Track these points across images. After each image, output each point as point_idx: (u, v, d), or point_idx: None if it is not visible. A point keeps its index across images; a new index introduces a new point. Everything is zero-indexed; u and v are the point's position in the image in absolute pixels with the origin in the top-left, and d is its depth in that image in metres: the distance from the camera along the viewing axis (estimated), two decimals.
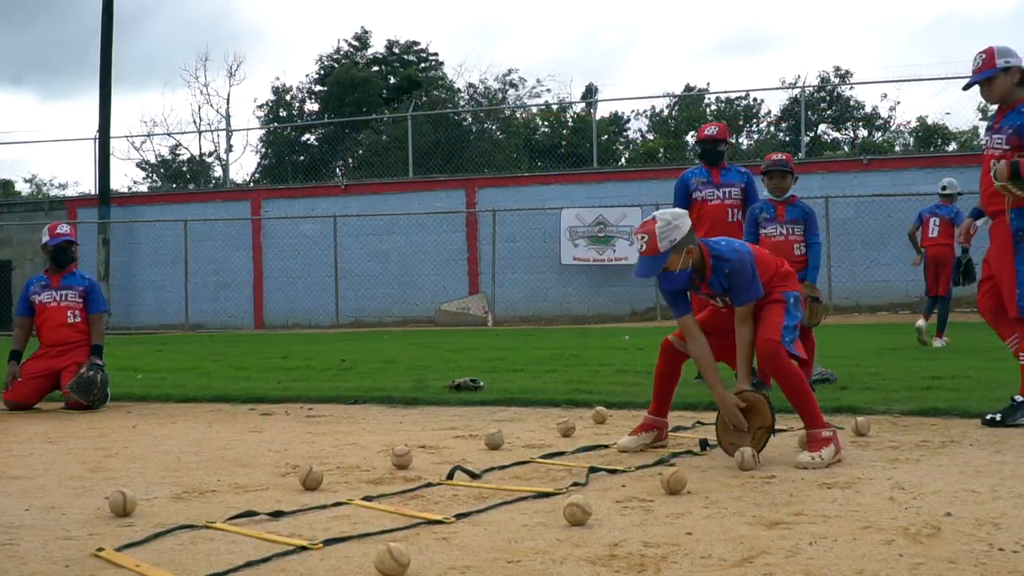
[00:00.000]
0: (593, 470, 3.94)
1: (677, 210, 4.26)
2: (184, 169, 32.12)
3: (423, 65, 34.06)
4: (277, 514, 3.31)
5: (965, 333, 11.84)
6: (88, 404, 6.70)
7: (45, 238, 7.21)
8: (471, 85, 31.57)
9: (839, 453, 4.10)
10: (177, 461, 4.53)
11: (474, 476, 3.89)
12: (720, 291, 4.29)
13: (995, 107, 5.16)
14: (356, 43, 33.81)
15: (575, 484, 3.72)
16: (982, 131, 25.87)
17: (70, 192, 31.67)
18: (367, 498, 3.56)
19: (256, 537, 3.00)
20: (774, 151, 7.56)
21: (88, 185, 35.01)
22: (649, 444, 4.55)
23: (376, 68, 33.57)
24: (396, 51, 33.87)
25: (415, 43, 34.21)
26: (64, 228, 7.24)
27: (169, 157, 32.60)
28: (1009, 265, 4.93)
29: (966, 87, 5.19)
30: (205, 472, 4.22)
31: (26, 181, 36.51)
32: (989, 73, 4.98)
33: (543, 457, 4.30)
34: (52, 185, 35.73)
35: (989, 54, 5.03)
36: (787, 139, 27.73)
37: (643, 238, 4.11)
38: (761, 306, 4.28)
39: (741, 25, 52.09)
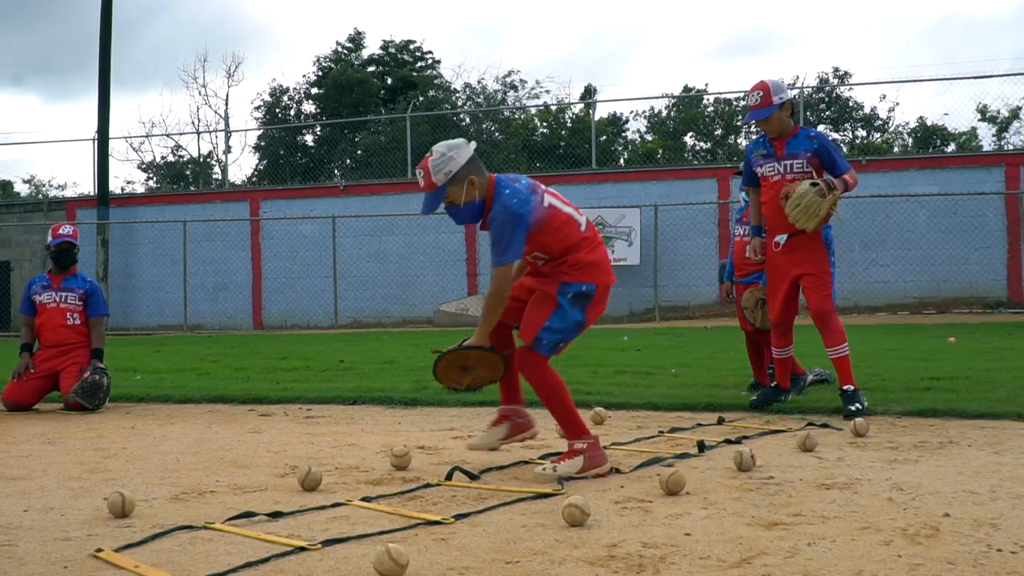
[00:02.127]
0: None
1: (457, 140, 3.98)
2: (185, 171, 32.11)
3: (420, 65, 34.05)
4: (276, 515, 3.31)
5: (964, 333, 11.85)
6: (91, 408, 6.71)
7: (49, 239, 7.24)
8: (468, 85, 31.59)
9: (596, 467, 3.84)
10: (176, 462, 4.53)
11: (473, 477, 3.90)
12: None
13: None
14: (350, 44, 33.81)
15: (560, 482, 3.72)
16: (981, 132, 25.92)
17: (69, 193, 31.70)
18: (366, 499, 3.56)
19: (255, 538, 3.00)
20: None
21: (87, 186, 35.05)
22: (503, 439, 4.26)
23: (372, 68, 33.55)
24: (392, 51, 33.86)
25: (411, 42, 34.21)
26: (67, 229, 7.24)
27: (169, 159, 32.61)
28: (825, 267, 5.54)
29: (744, 123, 5.69)
30: (204, 473, 4.23)
31: (25, 182, 36.55)
32: (769, 111, 5.50)
33: (542, 458, 4.31)
34: (51, 186, 35.78)
35: (765, 92, 5.53)
36: None
37: (420, 174, 3.92)
38: (536, 289, 4.01)
39: (747, 25, 52.21)
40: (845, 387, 5.44)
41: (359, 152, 29.36)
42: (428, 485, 3.78)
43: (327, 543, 2.91)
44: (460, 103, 30.78)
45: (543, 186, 4.03)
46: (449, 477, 3.87)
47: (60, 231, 7.20)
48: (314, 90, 32.79)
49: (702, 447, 4.46)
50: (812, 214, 5.35)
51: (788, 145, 5.57)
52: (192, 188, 28.81)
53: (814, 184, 5.35)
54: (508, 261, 3.85)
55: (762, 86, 5.55)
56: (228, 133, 29.99)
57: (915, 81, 30.57)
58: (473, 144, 3.97)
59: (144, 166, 32.67)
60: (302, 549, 2.85)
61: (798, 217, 5.37)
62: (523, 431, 4.27)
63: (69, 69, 54.95)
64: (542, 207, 3.91)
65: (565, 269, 3.94)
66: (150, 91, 59.01)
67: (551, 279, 3.97)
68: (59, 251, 7.14)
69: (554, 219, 3.92)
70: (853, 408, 5.32)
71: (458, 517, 3.22)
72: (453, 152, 3.89)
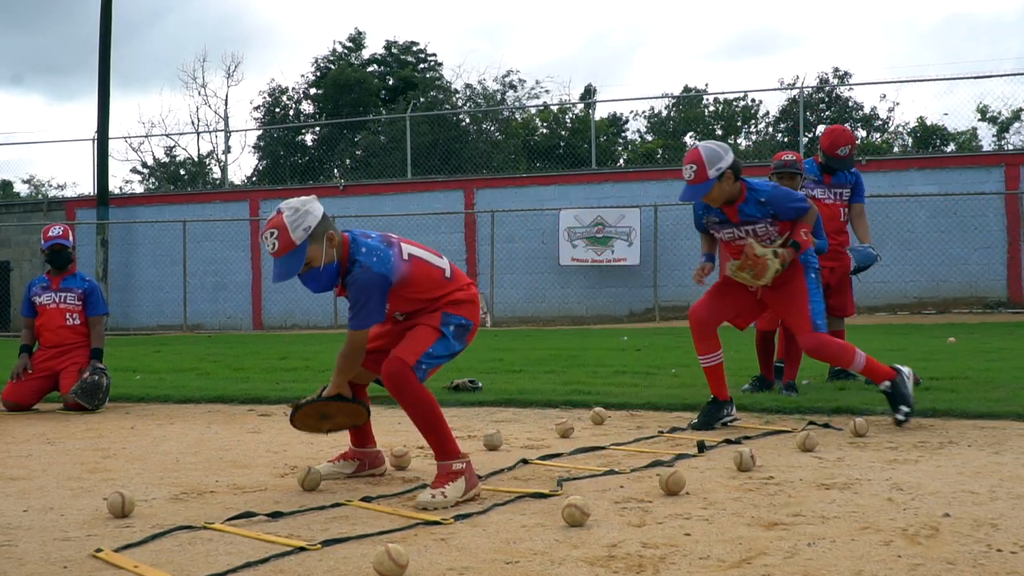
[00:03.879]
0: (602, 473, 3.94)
1: (304, 197, 3.57)
2: (183, 172, 32.11)
3: (421, 66, 34.07)
4: (275, 515, 3.31)
5: (964, 333, 11.84)
6: (91, 408, 6.71)
7: (42, 242, 7.24)
8: (468, 86, 31.61)
9: (473, 488, 3.54)
10: (176, 462, 4.53)
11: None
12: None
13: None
14: (350, 44, 33.81)
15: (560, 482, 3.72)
16: (981, 132, 25.93)
17: (69, 193, 31.69)
18: (365, 499, 3.56)
19: (255, 538, 3.00)
20: (783, 150, 7.44)
21: (87, 186, 35.04)
22: (351, 473, 4.07)
23: (372, 68, 33.56)
24: (394, 51, 33.87)
25: (414, 43, 34.23)
26: (56, 230, 7.22)
27: (167, 159, 32.60)
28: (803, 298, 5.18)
29: (682, 200, 5.23)
30: (204, 473, 4.22)
31: (24, 182, 36.54)
32: (707, 187, 4.99)
33: (541, 459, 4.31)
34: (51, 186, 35.77)
35: (700, 165, 4.96)
36: (785, 140, 27.75)
37: (273, 233, 3.44)
38: (411, 326, 3.72)
39: (751, 26, 52.26)
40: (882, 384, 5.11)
41: (359, 152, 29.37)
42: (426, 485, 3.77)
43: (327, 543, 2.91)
44: (460, 103, 30.78)
45: (395, 236, 3.73)
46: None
47: (50, 233, 7.19)
48: (313, 90, 32.79)
49: (702, 447, 4.46)
50: (760, 274, 5.09)
51: (740, 212, 5.15)
52: (189, 188, 28.80)
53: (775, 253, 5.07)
54: (367, 326, 3.62)
55: (695, 158, 4.98)
56: (228, 133, 29.99)
57: (915, 81, 30.61)
58: (316, 200, 3.58)
59: (141, 166, 32.68)
60: (302, 549, 2.85)
61: (748, 280, 5.13)
62: (374, 466, 4.13)
63: (73, 69, 55.12)
64: (402, 260, 3.61)
65: (441, 305, 3.69)
66: (155, 91, 59.15)
67: (429, 314, 3.69)
68: (52, 253, 7.14)
69: (416, 271, 3.64)
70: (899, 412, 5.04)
71: (458, 517, 3.22)
72: (308, 206, 3.49)
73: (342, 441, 5.05)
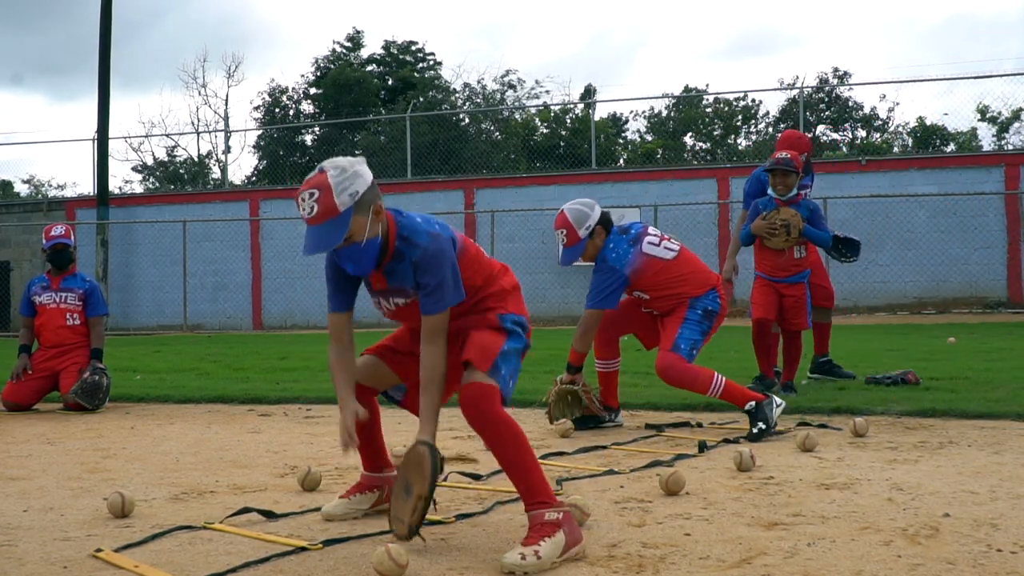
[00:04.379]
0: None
1: (346, 158, 2.89)
2: (183, 172, 32.12)
3: (421, 65, 34.07)
4: (276, 515, 3.31)
5: (964, 333, 11.85)
6: (91, 408, 6.71)
7: (43, 241, 7.24)
8: (467, 85, 31.61)
9: (575, 546, 2.74)
10: (176, 462, 4.53)
11: (475, 478, 3.89)
12: (401, 285, 3.00)
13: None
14: (349, 44, 33.81)
15: (560, 481, 3.72)
16: (981, 132, 25.93)
17: (68, 193, 31.68)
18: None
19: (255, 538, 3.00)
20: (765, 145, 7.33)
21: (87, 186, 35.04)
22: (372, 507, 3.33)
23: (371, 68, 33.55)
24: (393, 51, 33.87)
25: (412, 43, 34.22)
26: (58, 230, 7.22)
27: (167, 159, 32.61)
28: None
29: (563, 265, 5.29)
30: (203, 473, 4.22)
31: (24, 182, 36.52)
32: (581, 248, 5.15)
33: (542, 458, 4.31)
34: (51, 186, 35.76)
35: (569, 229, 5.09)
36: None
37: (313, 195, 2.77)
38: (468, 327, 3.03)
39: (751, 26, 52.29)
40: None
41: (358, 152, 29.36)
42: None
43: (327, 543, 2.91)
44: (460, 103, 30.78)
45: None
46: (445, 477, 3.87)
47: (52, 232, 7.19)
48: (313, 90, 32.80)
49: (702, 447, 4.46)
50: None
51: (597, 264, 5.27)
52: (189, 188, 28.80)
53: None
54: (448, 306, 2.95)
55: (563, 223, 5.07)
56: (228, 133, 29.98)
57: (915, 81, 30.65)
58: (365, 163, 2.93)
59: (141, 166, 32.67)
60: (302, 549, 2.85)
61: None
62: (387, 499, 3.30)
63: (73, 69, 55.15)
64: (459, 236, 3.08)
65: (491, 301, 3.09)
66: (155, 91, 59.19)
67: (482, 309, 3.08)
68: (54, 252, 7.14)
69: (468, 245, 3.10)
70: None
71: (458, 517, 3.22)
72: (357, 168, 2.84)
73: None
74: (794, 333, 6.37)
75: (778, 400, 4.98)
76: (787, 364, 6.39)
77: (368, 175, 2.85)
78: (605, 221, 5.14)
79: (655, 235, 5.24)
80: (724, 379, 4.95)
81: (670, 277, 5.13)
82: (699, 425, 5.28)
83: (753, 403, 4.85)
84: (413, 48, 34.22)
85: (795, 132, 7.39)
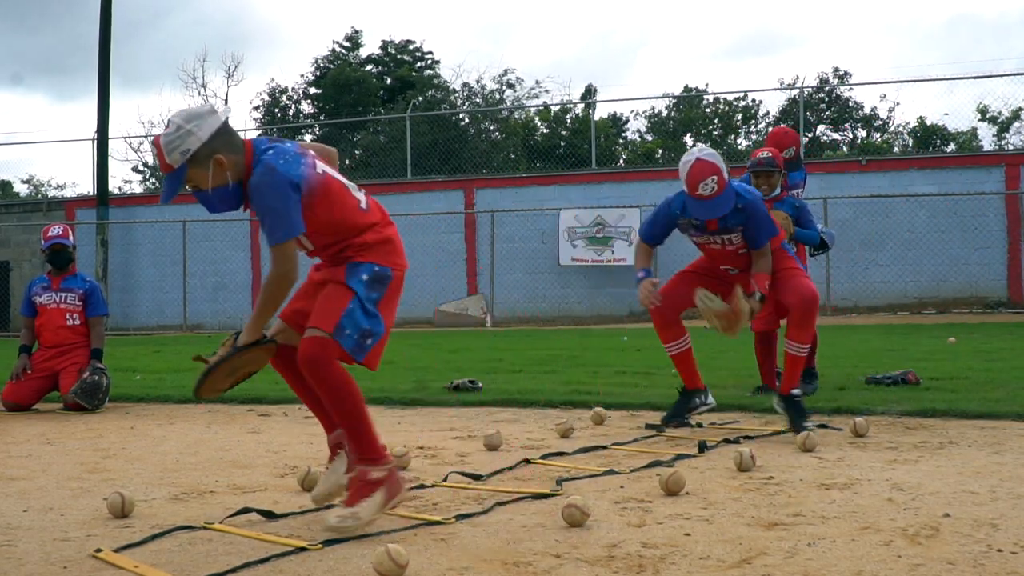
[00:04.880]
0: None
1: (200, 107, 3.17)
2: None
3: (419, 64, 34.05)
4: (275, 515, 3.30)
5: (964, 333, 11.84)
6: (91, 408, 6.71)
7: (42, 242, 7.24)
8: (466, 85, 31.60)
9: (394, 498, 3.04)
10: (175, 462, 4.53)
11: (476, 478, 3.89)
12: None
13: None
14: (347, 44, 33.80)
15: (559, 482, 3.72)
16: (981, 132, 25.93)
17: (68, 193, 31.66)
18: None
19: (255, 538, 3.00)
20: (762, 145, 7.13)
21: (86, 186, 35.03)
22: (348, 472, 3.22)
23: (370, 67, 33.53)
24: (391, 51, 33.85)
25: (410, 42, 34.20)
26: (56, 230, 7.22)
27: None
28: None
29: (706, 218, 4.90)
30: (203, 473, 4.22)
31: (24, 182, 36.51)
32: (731, 196, 4.84)
33: (542, 458, 4.30)
34: (50, 186, 35.73)
35: (719, 175, 4.77)
36: None
37: (152, 152, 3.53)
38: (327, 280, 3.21)
39: (752, 26, 52.27)
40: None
41: (358, 152, 29.37)
42: (423, 486, 3.77)
43: (327, 543, 2.91)
44: (459, 103, 30.78)
45: (312, 153, 3.23)
46: (445, 478, 3.87)
47: (50, 233, 7.19)
48: (312, 90, 32.80)
49: (702, 447, 4.46)
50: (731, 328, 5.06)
51: (722, 219, 5.06)
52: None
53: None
54: (290, 236, 3.03)
55: (714, 170, 4.77)
56: None
57: (915, 81, 30.60)
58: (224, 111, 3.16)
59: (141, 166, 32.66)
60: (302, 549, 2.85)
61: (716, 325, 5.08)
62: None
63: (73, 69, 55.16)
64: (315, 173, 3.11)
65: (354, 250, 3.17)
66: (155, 91, 59.21)
67: (338, 255, 3.20)
68: (53, 253, 7.14)
69: (330, 187, 3.14)
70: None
71: (458, 517, 3.21)
72: (193, 125, 3.01)
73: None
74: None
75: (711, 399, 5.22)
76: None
77: (210, 126, 3.04)
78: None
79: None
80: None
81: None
82: (699, 425, 5.27)
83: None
84: (411, 47, 34.21)
85: (782, 129, 7.35)
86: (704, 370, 5.41)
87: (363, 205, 3.23)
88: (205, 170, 3.04)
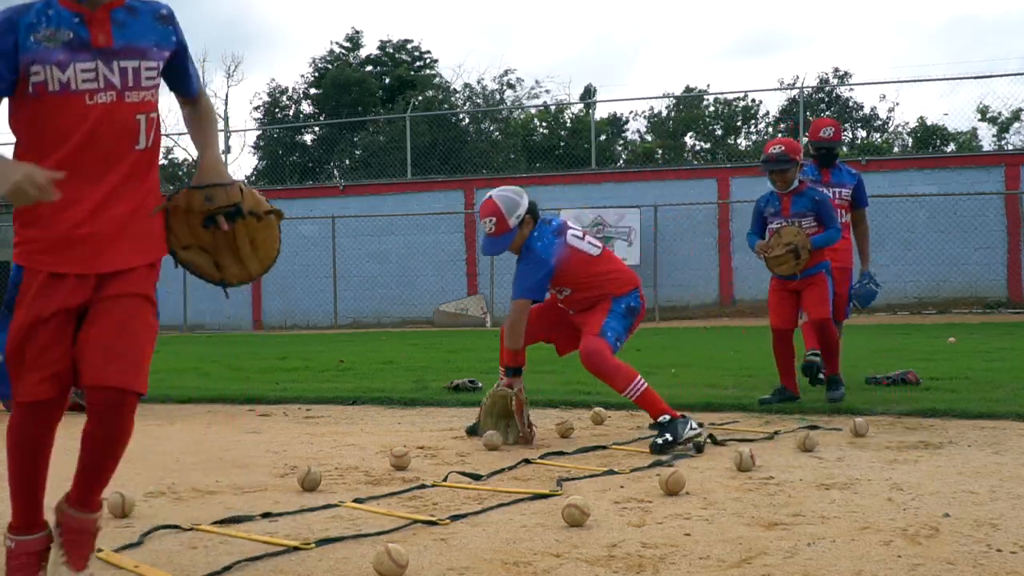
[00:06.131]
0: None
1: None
2: (182, 172, 32.11)
3: (418, 64, 34.03)
4: (275, 515, 3.31)
5: (964, 333, 11.84)
6: None
7: None
8: (467, 85, 31.60)
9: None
10: (176, 462, 4.53)
11: (476, 478, 3.89)
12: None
13: None
14: (348, 44, 33.80)
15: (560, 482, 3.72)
16: (981, 132, 25.93)
17: None
18: (364, 499, 3.56)
19: (254, 539, 3.00)
20: (774, 139, 7.10)
21: None
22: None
23: (370, 68, 33.52)
24: (389, 50, 33.83)
25: (408, 41, 34.17)
26: None
27: (165, 160, 32.59)
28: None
29: (486, 254, 5.73)
30: (203, 473, 4.22)
31: None
32: (511, 238, 4.89)
33: (542, 458, 4.31)
34: None
35: (499, 218, 4.85)
36: None
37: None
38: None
39: (752, 27, 52.25)
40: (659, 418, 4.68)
41: (358, 152, 29.36)
42: (424, 486, 3.77)
43: (327, 543, 2.91)
44: (459, 103, 30.78)
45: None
46: (445, 478, 3.87)
47: None
48: (312, 90, 32.80)
49: (701, 447, 4.46)
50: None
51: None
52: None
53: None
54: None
55: (493, 211, 4.87)
56: (227, 133, 29.98)
57: (915, 81, 30.66)
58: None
59: None
60: (302, 549, 2.85)
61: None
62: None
63: None
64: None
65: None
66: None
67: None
68: None
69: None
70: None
71: (458, 518, 3.21)
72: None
73: (341, 441, 5.05)
74: (819, 323, 5.87)
75: (694, 424, 4.60)
76: (825, 357, 6.00)
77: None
78: (533, 211, 4.94)
79: (578, 229, 5.10)
80: (646, 384, 4.69)
81: (594, 272, 4.92)
82: (699, 425, 5.27)
83: (666, 417, 4.55)
84: (409, 47, 34.18)
85: (823, 121, 7.33)
86: (703, 370, 5.41)
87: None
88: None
